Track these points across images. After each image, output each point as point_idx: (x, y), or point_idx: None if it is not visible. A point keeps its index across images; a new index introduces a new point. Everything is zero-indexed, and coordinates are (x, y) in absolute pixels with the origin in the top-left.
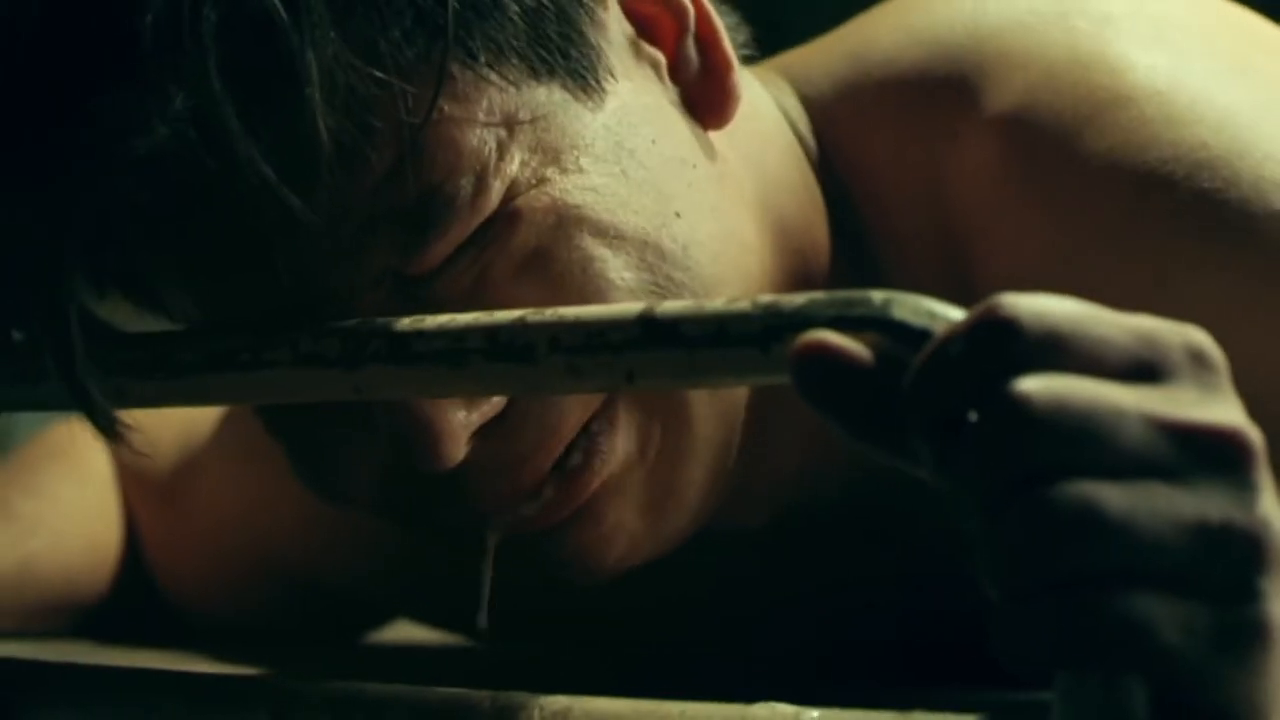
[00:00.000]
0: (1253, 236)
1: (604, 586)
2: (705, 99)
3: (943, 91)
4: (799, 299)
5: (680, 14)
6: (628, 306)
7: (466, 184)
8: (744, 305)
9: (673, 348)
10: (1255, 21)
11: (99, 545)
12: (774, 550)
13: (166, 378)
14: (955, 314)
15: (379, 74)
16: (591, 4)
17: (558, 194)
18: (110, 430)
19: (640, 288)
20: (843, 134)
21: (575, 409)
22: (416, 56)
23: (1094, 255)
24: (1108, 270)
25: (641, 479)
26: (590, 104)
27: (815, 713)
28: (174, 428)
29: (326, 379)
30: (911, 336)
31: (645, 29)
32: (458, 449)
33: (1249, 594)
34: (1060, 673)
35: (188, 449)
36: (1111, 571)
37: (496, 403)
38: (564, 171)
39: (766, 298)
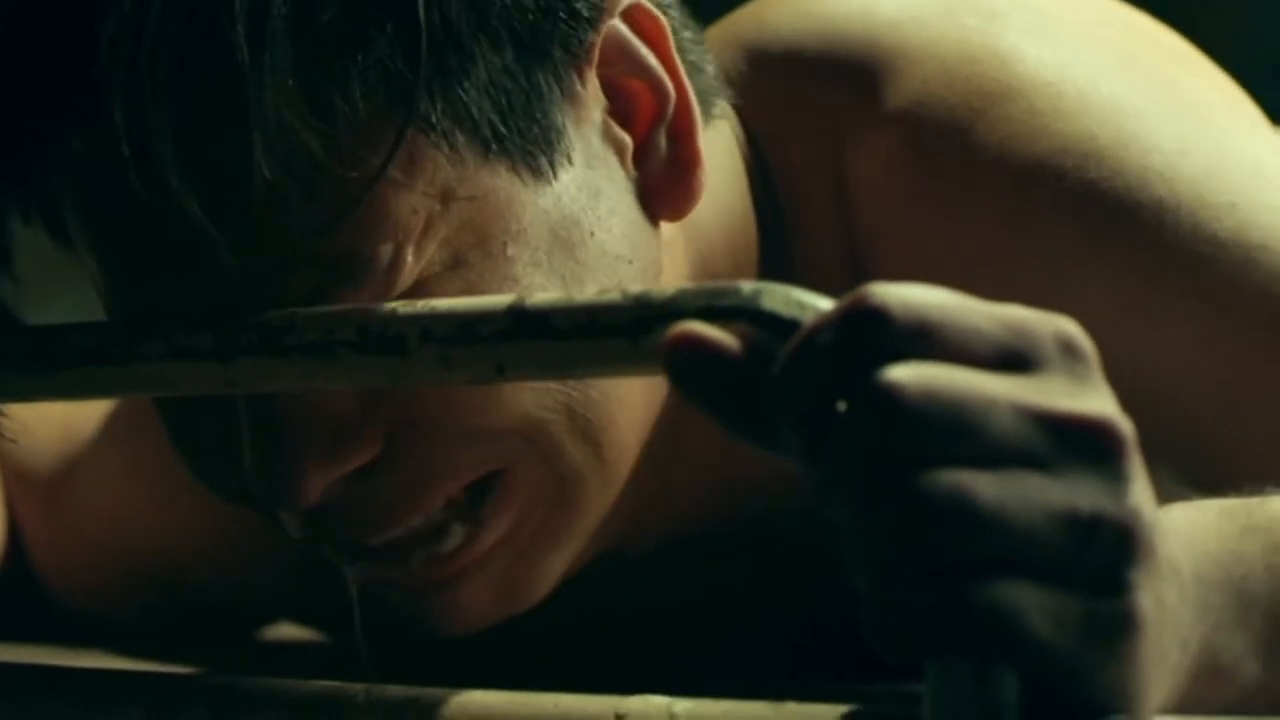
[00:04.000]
0: (1137, 225)
1: None
2: (664, 193)
3: (843, 87)
4: (669, 290)
5: (662, 98)
6: (499, 298)
7: (386, 252)
8: (614, 296)
9: (543, 339)
10: (1134, 16)
11: None
12: (665, 569)
13: (40, 371)
14: (825, 304)
15: (328, 130)
16: (570, 79)
17: (475, 279)
18: None
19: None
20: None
21: (448, 479)
22: (370, 116)
23: (986, 249)
24: (1000, 262)
25: (505, 563)
26: (535, 189)
27: (688, 703)
28: (55, 424)
29: (200, 372)
30: (781, 327)
31: (622, 105)
32: (312, 492)
33: (1119, 585)
34: (931, 662)
35: (68, 448)
36: (982, 561)
37: (366, 452)
38: (487, 256)
39: (637, 289)
